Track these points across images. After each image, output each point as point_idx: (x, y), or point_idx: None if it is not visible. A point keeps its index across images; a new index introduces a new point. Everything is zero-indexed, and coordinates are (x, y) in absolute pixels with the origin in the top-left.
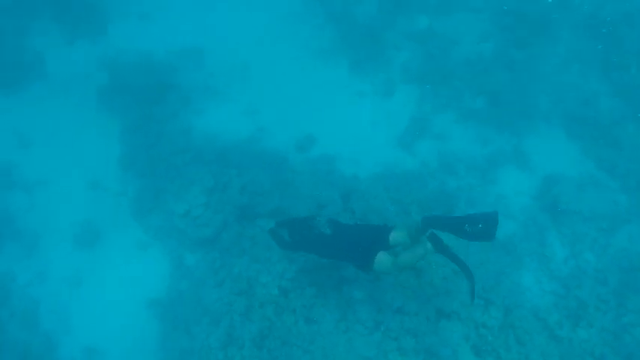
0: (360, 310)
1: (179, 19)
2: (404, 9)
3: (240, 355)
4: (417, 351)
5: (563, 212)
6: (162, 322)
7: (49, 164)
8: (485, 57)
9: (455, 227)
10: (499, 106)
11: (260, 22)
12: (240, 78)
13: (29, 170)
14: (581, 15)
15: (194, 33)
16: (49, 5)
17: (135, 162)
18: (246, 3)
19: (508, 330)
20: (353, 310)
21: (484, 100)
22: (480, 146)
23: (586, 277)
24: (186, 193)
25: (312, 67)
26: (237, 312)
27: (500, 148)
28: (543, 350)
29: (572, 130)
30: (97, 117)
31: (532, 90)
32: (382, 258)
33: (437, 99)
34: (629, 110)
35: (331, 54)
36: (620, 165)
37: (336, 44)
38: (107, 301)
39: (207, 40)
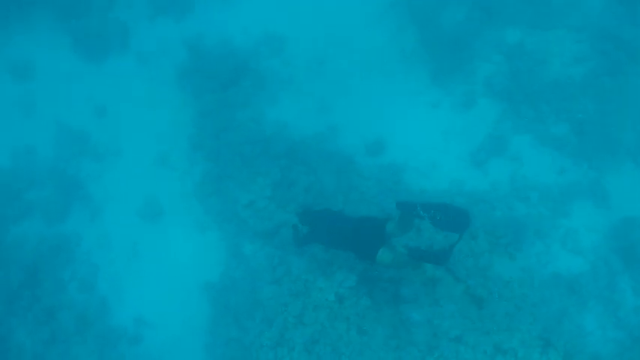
0: (415, 332)
1: (262, 4)
2: (494, 19)
3: (290, 357)
4: None
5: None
6: (213, 307)
7: (121, 135)
8: (575, 81)
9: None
10: (582, 135)
11: (343, 17)
12: (317, 71)
13: (102, 139)
14: None
15: (276, 20)
16: None
17: (204, 144)
18: None
19: None
20: (407, 329)
21: (567, 126)
22: (556, 175)
23: None
24: (253, 183)
25: (391, 69)
26: (291, 314)
27: (578, 180)
28: None
29: None
30: (172, 94)
31: (620, 123)
32: (384, 253)
33: (517, 119)
34: None
35: (412, 58)
36: None
37: (418, 48)
38: (161, 276)
39: (288, 29)
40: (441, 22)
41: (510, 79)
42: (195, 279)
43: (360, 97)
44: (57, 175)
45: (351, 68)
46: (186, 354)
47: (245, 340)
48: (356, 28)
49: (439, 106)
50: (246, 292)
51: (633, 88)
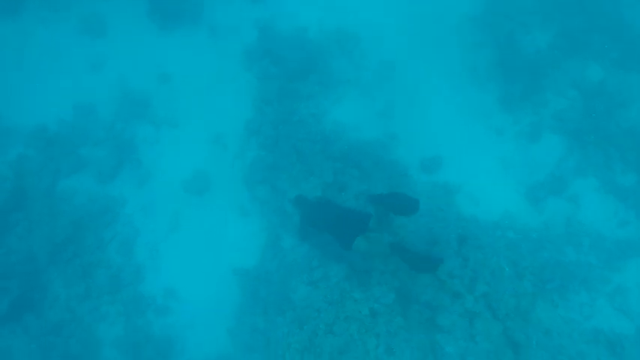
0: None
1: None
2: (578, 52)
3: None
4: None
5: None
6: (243, 293)
7: (181, 106)
8: None
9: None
10: None
11: (420, 24)
12: (385, 77)
13: (161, 107)
14: None
15: (352, 18)
16: None
17: (261, 131)
18: (412, 2)
19: None
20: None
21: (636, 178)
22: (615, 226)
23: None
24: (304, 181)
25: (460, 85)
26: (324, 321)
27: (638, 237)
28: None
29: None
30: (237, 74)
31: None
32: (360, 242)
33: (583, 160)
34: None
35: (483, 77)
36: None
37: (491, 69)
38: (197, 253)
39: (363, 29)
40: (520, 46)
41: (583, 118)
42: (230, 262)
43: (424, 110)
44: (113, 135)
45: (419, 78)
46: (210, 334)
47: (271, 334)
48: (431, 37)
49: (503, 132)
50: (278, 285)
51: None
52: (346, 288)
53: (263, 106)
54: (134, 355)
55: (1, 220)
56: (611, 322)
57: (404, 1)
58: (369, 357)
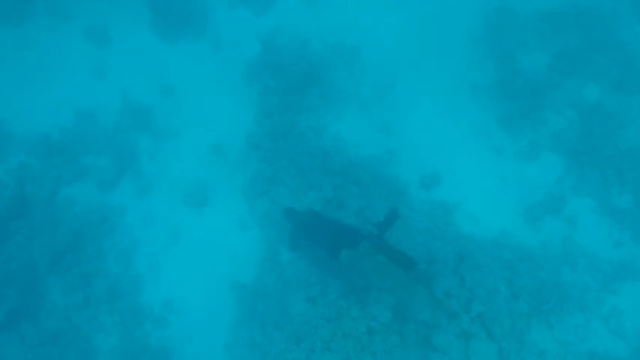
0: None
1: (346, 13)
2: (577, 72)
3: None
4: None
5: None
6: (240, 308)
7: (182, 118)
8: None
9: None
10: None
11: (421, 42)
12: (385, 93)
13: (163, 118)
14: None
15: (353, 32)
16: None
17: (261, 145)
18: (415, 20)
19: None
20: None
21: (632, 199)
22: (611, 248)
23: None
24: (304, 195)
25: (459, 104)
26: (321, 338)
27: (633, 259)
28: None
29: None
30: (238, 88)
31: None
32: (345, 254)
33: (580, 180)
34: None
35: (482, 96)
36: None
37: (491, 87)
38: (195, 266)
39: (365, 44)
40: (520, 65)
41: (580, 138)
42: (228, 276)
43: (424, 127)
44: (114, 145)
45: (419, 95)
46: (207, 347)
47: (269, 349)
48: (432, 55)
49: (502, 152)
50: (276, 301)
51: None
52: (343, 305)
53: (263, 119)
54: None
55: (2, 228)
56: (605, 345)
57: (405, 18)
58: None
